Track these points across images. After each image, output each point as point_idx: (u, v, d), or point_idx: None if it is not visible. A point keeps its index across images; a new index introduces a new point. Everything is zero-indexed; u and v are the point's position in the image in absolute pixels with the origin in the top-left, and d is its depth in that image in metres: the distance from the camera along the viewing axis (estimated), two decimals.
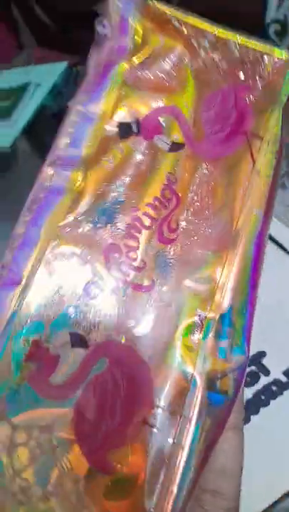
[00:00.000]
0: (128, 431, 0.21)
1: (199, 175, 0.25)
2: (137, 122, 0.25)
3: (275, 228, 0.43)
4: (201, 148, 0.25)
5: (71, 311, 0.22)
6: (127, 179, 0.24)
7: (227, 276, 0.24)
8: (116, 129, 0.25)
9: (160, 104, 0.26)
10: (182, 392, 0.22)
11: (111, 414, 0.21)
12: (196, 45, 0.27)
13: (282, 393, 0.35)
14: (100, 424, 0.21)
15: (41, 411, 0.21)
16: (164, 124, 0.25)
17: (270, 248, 0.44)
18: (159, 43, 0.27)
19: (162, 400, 0.22)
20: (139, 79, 0.26)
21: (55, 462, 0.21)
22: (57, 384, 0.22)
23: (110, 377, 0.22)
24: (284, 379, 0.36)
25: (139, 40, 0.27)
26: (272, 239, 0.44)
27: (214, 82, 0.27)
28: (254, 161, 0.25)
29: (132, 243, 0.24)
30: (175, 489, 0.20)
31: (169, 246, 0.24)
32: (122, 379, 0.22)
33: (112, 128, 0.25)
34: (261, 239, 0.25)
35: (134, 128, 0.25)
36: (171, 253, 0.24)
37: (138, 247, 0.24)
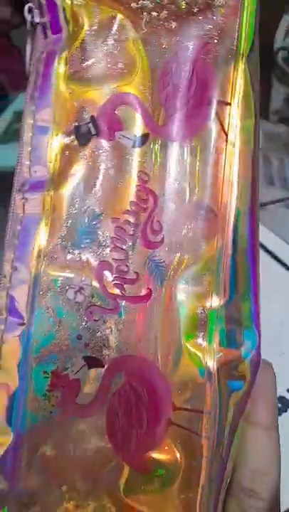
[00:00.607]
0: (157, 432, 0.23)
1: (171, 163, 0.24)
2: (94, 121, 0.24)
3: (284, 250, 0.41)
4: (167, 133, 0.24)
5: (78, 336, 0.23)
6: (98, 190, 0.24)
7: (224, 262, 0.23)
8: (73, 136, 0.24)
9: (113, 93, 0.24)
10: (200, 388, 0.23)
11: (138, 421, 0.23)
12: (136, 6, 0.24)
13: (286, 410, 0.37)
14: (130, 431, 0.23)
15: (76, 428, 0.24)
16: (122, 117, 0.24)
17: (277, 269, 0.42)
18: (93, 17, 0.24)
19: (182, 400, 0.23)
20: (84, 69, 0.24)
21: (101, 469, 0.23)
22: (84, 403, 0.23)
23: (130, 389, 0.23)
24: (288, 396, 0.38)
25: (71, 20, 0.24)
26: (278, 260, 0.42)
27: (165, 49, 0.24)
28: (226, 133, 0.24)
29: (120, 256, 0.24)
30: (206, 482, 0.22)
31: (157, 249, 0.24)
32: (141, 388, 0.23)
33: (69, 136, 0.24)
34: (253, 215, 0.24)
35: (92, 129, 0.24)
36: (161, 256, 0.24)
37: (126, 259, 0.24)
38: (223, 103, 0.24)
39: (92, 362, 0.23)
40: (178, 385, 0.23)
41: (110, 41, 0.24)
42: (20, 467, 0.23)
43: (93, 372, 0.24)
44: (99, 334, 0.23)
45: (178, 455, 0.23)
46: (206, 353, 0.23)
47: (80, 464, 0.23)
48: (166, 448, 0.23)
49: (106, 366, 0.23)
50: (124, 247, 0.24)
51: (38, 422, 0.23)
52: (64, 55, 0.24)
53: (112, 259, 0.24)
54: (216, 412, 0.23)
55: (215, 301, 0.24)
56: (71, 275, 0.23)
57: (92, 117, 0.24)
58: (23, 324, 0.23)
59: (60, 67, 0.24)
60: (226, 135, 0.24)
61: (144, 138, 0.24)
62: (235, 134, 0.24)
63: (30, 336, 0.23)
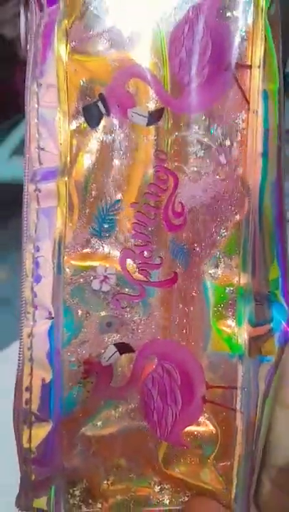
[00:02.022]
0: (192, 410, 0.24)
1: (190, 138, 0.23)
2: (103, 99, 0.22)
3: None
4: (183, 105, 0.23)
5: (108, 324, 0.24)
6: (115, 174, 0.23)
7: (250, 239, 0.23)
8: (82, 118, 0.22)
9: (121, 65, 0.22)
10: (232, 366, 0.24)
11: (173, 400, 0.24)
12: None
13: None
14: (166, 410, 0.24)
15: (114, 410, 0.25)
16: (133, 93, 0.22)
17: None
18: None
19: (214, 378, 0.24)
20: (86, 40, 0.22)
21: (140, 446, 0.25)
22: (119, 386, 0.24)
23: (163, 371, 0.24)
24: None
25: None
26: None
27: (175, 10, 0.22)
28: (247, 101, 0.22)
29: (142, 241, 0.23)
30: (242, 452, 0.24)
31: (180, 231, 0.23)
32: (174, 369, 0.24)
33: (78, 118, 0.23)
34: (278, 187, 0.23)
35: (102, 108, 0.22)
36: (184, 238, 0.23)
37: (149, 244, 0.23)
38: (243, 66, 0.22)
39: (123, 348, 0.24)
40: (210, 365, 0.24)
41: (110, 2, 0.22)
42: (62, 449, 0.24)
43: (125, 357, 0.24)
44: (127, 321, 0.24)
45: (214, 429, 0.24)
46: (236, 332, 0.24)
47: (119, 443, 0.25)
48: (202, 424, 0.24)
49: (137, 351, 0.24)
50: (145, 232, 0.23)
51: (75, 407, 0.24)
52: (63, 26, 0.22)
53: (135, 245, 0.23)
54: (248, 386, 0.24)
55: (243, 280, 0.24)
56: (95, 265, 0.23)
57: (100, 95, 0.22)
58: (51, 318, 0.23)
59: (60, 41, 0.22)
60: (248, 102, 0.22)
61: (159, 113, 0.23)
62: (257, 101, 0.22)
63: (59, 328, 0.24)
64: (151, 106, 0.23)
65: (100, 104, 0.23)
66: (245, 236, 0.23)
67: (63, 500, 0.25)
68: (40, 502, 0.25)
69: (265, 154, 0.23)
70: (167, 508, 0.25)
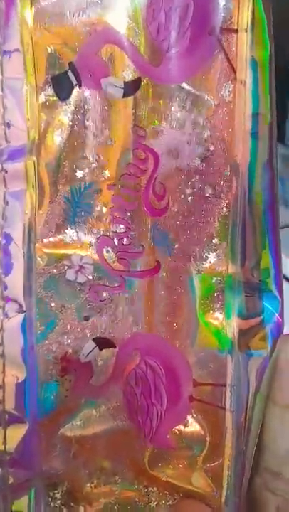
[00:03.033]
0: (178, 409, 0.23)
1: (171, 111, 0.21)
2: (73, 68, 0.20)
3: None
4: (162, 74, 0.21)
5: (86, 318, 0.22)
6: (89, 153, 0.21)
7: (239, 225, 0.21)
8: (51, 90, 0.20)
9: (93, 30, 0.20)
10: (221, 362, 0.22)
11: (158, 399, 0.23)
12: None
13: None
14: (150, 409, 0.23)
15: (95, 409, 0.23)
16: (107, 61, 0.20)
17: None
18: None
19: (204, 374, 0.22)
20: (53, 2, 0.20)
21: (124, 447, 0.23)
22: (99, 384, 0.23)
23: (147, 367, 0.23)
24: None
25: None
26: None
27: None
28: (234, 70, 0.20)
29: (121, 227, 0.21)
30: (232, 453, 0.22)
31: (163, 216, 0.21)
32: (158, 365, 0.22)
33: (46, 89, 0.21)
34: (270, 167, 0.21)
35: (72, 79, 0.20)
36: (168, 223, 0.22)
37: (129, 230, 0.21)
38: (229, 30, 0.20)
39: (103, 343, 0.22)
40: (197, 361, 0.23)
41: None
42: (41, 450, 0.23)
43: (105, 352, 0.23)
44: (107, 314, 0.22)
45: (202, 430, 0.23)
46: (225, 325, 0.22)
47: (102, 444, 0.23)
48: (189, 424, 0.23)
49: (118, 346, 0.22)
50: (124, 217, 0.21)
51: (53, 406, 0.23)
52: None
53: (113, 232, 0.22)
54: (238, 384, 0.22)
55: (231, 269, 0.22)
56: (69, 253, 0.22)
57: (70, 64, 0.20)
58: (23, 311, 0.22)
59: (24, 3, 0.20)
60: (234, 72, 0.20)
61: (136, 83, 0.21)
62: (245, 70, 0.20)
63: (32, 323, 0.22)
64: (128, 75, 0.21)
65: (70, 73, 0.21)
66: (233, 221, 0.22)
67: (43, 503, 0.24)
68: (20, 505, 0.24)
69: (254, 132, 0.21)
70: (156, 511, 0.24)
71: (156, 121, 0.21)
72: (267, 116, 0.21)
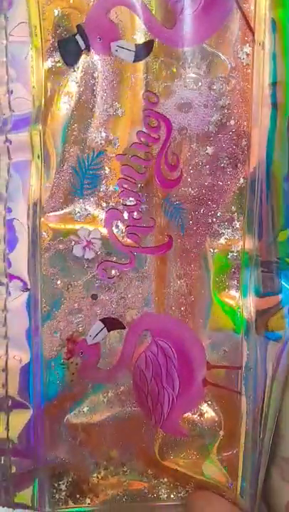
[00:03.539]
0: (192, 394, 0.22)
1: (185, 76, 0.20)
2: (81, 32, 0.19)
3: None
4: (176, 37, 0.20)
5: (93, 297, 0.21)
6: (97, 121, 0.20)
7: (256, 198, 0.20)
8: (58, 55, 0.19)
9: None
10: (236, 343, 0.21)
11: (169, 383, 0.21)
12: None
13: None
14: (162, 394, 0.22)
15: (102, 394, 0.22)
16: (117, 23, 0.19)
17: None
18: None
19: (218, 356, 0.21)
20: None
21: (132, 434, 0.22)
22: (107, 368, 0.22)
23: (158, 349, 0.21)
24: None
25: None
26: None
27: None
28: (252, 31, 0.19)
29: (131, 200, 0.20)
30: (248, 441, 0.21)
31: (176, 188, 0.20)
32: (170, 347, 0.21)
33: (53, 54, 0.20)
34: None
35: (81, 42, 0.19)
36: (180, 196, 0.21)
37: (139, 203, 0.20)
38: None
39: (112, 324, 0.21)
40: (211, 341, 0.21)
41: None
42: (46, 438, 0.22)
43: (114, 334, 0.21)
44: (116, 292, 0.21)
45: (216, 416, 0.22)
46: (241, 304, 0.21)
47: (110, 432, 0.22)
48: (203, 409, 0.22)
49: (128, 327, 0.21)
50: (135, 189, 0.20)
51: (58, 391, 0.22)
52: None
53: (123, 205, 0.20)
54: (255, 367, 0.21)
55: (248, 244, 0.21)
56: (76, 228, 0.20)
57: (78, 27, 0.19)
58: (27, 289, 0.21)
59: None
60: (253, 33, 0.19)
61: (148, 46, 0.20)
62: (264, 31, 0.19)
63: (37, 302, 0.21)
64: (139, 38, 0.20)
65: (78, 37, 0.20)
66: (250, 194, 0.21)
67: (48, 494, 0.23)
68: (23, 497, 0.23)
69: (273, 102, 0.20)
70: (165, 503, 0.23)
71: (169, 87, 0.20)
72: (287, 83, 0.20)
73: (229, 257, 0.21)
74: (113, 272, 0.21)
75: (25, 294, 0.21)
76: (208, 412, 0.22)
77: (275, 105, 0.20)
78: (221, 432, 0.22)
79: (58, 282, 0.21)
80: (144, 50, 0.20)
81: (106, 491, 0.23)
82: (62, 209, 0.21)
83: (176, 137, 0.20)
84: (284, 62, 0.20)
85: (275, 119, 0.20)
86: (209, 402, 0.22)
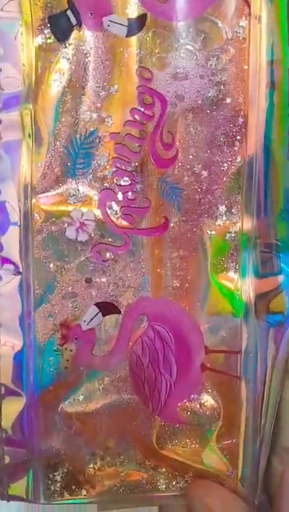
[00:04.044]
0: (190, 379, 0.21)
1: (180, 52, 0.19)
2: (72, 7, 0.19)
3: None
4: (170, 11, 0.19)
5: (87, 280, 0.21)
6: (89, 98, 0.20)
7: (254, 176, 0.20)
8: (49, 31, 0.19)
9: None
10: (235, 327, 0.21)
11: (167, 369, 0.21)
12: None
13: None
14: (159, 380, 0.21)
15: (98, 382, 0.21)
16: None
17: None
18: None
19: (216, 340, 0.21)
20: None
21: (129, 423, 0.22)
22: (103, 354, 0.21)
23: (155, 334, 0.21)
24: None
25: None
26: None
27: None
28: (248, 4, 0.19)
29: (126, 180, 0.20)
30: (249, 428, 0.21)
31: (171, 167, 0.20)
32: (167, 332, 0.21)
33: (43, 31, 0.19)
34: None
35: (72, 18, 0.19)
36: (176, 176, 0.20)
37: (134, 183, 0.20)
38: None
39: (107, 308, 0.21)
40: (209, 325, 0.21)
41: None
42: (40, 427, 0.21)
43: (109, 319, 0.21)
44: (110, 275, 0.21)
45: (215, 402, 0.21)
46: (240, 286, 0.21)
47: (106, 420, 0.22)
48: (202, 396, 0.21)
49: (123, 311, 0.21)
50: (129, 168, 0.20)
51: (52, 379, 0.21)
52: None
53: (117, 185, 0.20)
54: (254, 351, 0.20)
55: (246, 224, 0.20)
56: (69, 210, 0.20)
57: (69, 2, 0.19)
58: (19, 273, 0.20)
59: None
60: (249, 6, 0.19)
61: (141, 20, 0.19)
62: (260, 4, 0.18)
63: (29, 286, 0.20)
64: (132, 12, 0.19)
65: (69, 13, 0.19)
66: (249, 173, 0.20)
67: (43, 486, 0.22)
68: (17, 488, 0.22)
69: (271, 81, 0.20)
70: (163, 494, 0.22)
71: (164, 63, 0.19)
72: (284, 61, 0.20)
73: (227, 238, 0.21)
74: (108, 254, 0.21)
75: (17, 278, 0.21)
76: (207, 399, 0.22)
77: (272, 85, 0.20)
78: (221, 420, 0.22)
79: (51, 265, 0.21)
80: (137, 24, 0.19)
81: (103, 482, 0.22)
82: (54, 190, 0.20)
83: (171, 113, 0.20)
84: (280, 35, 0.20)
85: (273, 97, 0.20)
86: (208, 389, 0.22)
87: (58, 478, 0.22)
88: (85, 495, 0.22)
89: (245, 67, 0.19)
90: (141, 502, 0.23)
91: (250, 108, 0.20)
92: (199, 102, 0.19)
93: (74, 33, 0.19)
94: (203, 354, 0.21)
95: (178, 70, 0.19)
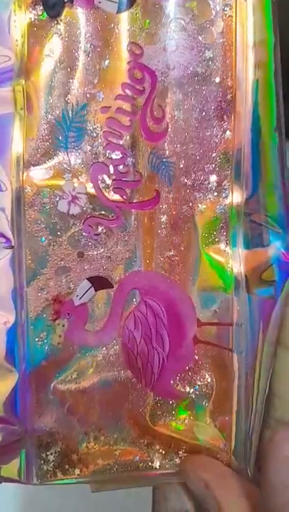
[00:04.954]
0: (182, 352, 0.21)
1: (169, 28, 0.20)
2: None
3: None
4: None
5: (79, 254, 0.21)
6: (80, 73, 0.20)
7: (243, 150, 0.20)
8: (41, 7, 0.19)
9: None
10: (227, 299, 0.21)
11: (159, 342, 0.21)
12: None
13: None
14: (152, 355, 0.21)
15: (90, 358, 0.22)
16: None
17: None
18: None
19: (208, 314, 0.21)
20: None
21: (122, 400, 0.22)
22: (95, 330, 0.21)
23: (147, 308, 0.21)
24: None
25: None
26: None
27: None
28: None
29: (117, 153, 0.20)
30: (241, 401, 0.21)
31: (162, 141, 0.20)
32: (159, 305, 0.21)
33: (35, 7, 0.20)
34: (276, 85, 0.20)
35: None
36: (166, 149, 0.20)
37: (125, 156, 0.20)
38: None
39: (99, 282, 0.21)
40: (201, 298, 0.21)
41: None
42: (32, 406, 0.21)
43: (101, 294, 0.21)
44: (103, 249, 0.21)
45: (208, 375, 0.21)
46: (230, 259, 0.21)
47: (99, 397, 0.22)
48: (195, 370, 0.21)
49: (116, 286, 0.21)
50: (120, 142, 0.20)
51: (45, 355, 0.21)
52: None
53: (108, 158, 0.20)
54: (246, 323, 0.21)
55: (236, 197, 0.21)
56: (60, 183, 0.20)
57: None
58: (11, 247, 0.20)
59: None
60: None
61: None
62: None
63: (21, 259, 0.20)
64: None
65: None
66: (238, 146, 0.21)
67: (35, 466, 0.22)
68: (10, 470, 0.22)
69: (257, 62, 0.20)
70: (159, 472, 0.22)
71: (153, 39, 0.20)
72: (268, 42, 0.20)
73: (217, 211, 0.21)
74: (100, 228, 0.21)
75: (9, 252, 0.21)
76: (201, 373, 0.22)
77: (258, 63, 0.21)
78: (214, 394, 0.22)
79: (43, 239, 0.21)
80: (127, 1, 0.20)
81: (96, 461, 0.22)
82: (46, 163, 0.21)
83: (161, 87, 0.20)
84: (265, 18, 0.20)
85: (259, 75, 0.20)
86: (201, 363, 0.22)
87: (51, 457, 0.22)
88: (78, 474, 0.22)
89: (232, 47, 0.20)
90: (135, 481, 0.23)
91: (238, 86, 0.20)
92: (189, 73, 0.20)
93: (66, 10, 0.20)
94: (196, 327, 0.21)
95: (168, 42, 0.20)
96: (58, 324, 0.21)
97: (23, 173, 0.20)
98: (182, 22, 0.20)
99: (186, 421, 0.22)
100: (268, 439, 0.18)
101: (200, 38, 0.20)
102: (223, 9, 0.20)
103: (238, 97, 0.21)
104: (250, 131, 0.21)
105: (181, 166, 0.21)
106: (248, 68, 0.20)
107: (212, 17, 0.20)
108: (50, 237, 0.21)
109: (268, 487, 0.17)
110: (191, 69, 0.20)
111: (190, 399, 0.22)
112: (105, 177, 0.21)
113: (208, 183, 0.21)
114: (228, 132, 0.21)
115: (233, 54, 0.20)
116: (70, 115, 0.20)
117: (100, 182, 0.21)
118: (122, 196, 0.21)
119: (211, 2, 0.20)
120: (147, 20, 0.20)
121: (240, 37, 0.20)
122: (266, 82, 0.21)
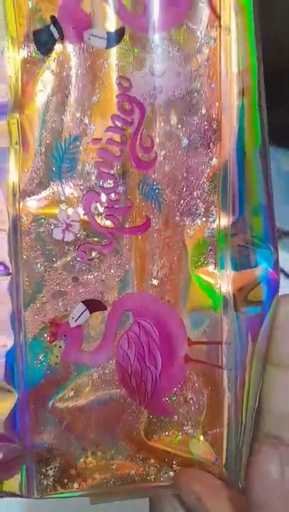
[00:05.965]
0: (174, 371, 0.22)
1: (156, 62, 0.21)
2: (55, 22, 0.21)
3: None
4: (146, 24, 0.21)
5: (74, 279, 0.22)
6: (72, 107, 0.21)
7: (229, 176, 0.21)
8: (33, 45, 0.20)
9: None
10: (216, 319, 0.22)
11: (152, 361, 0.22)
12: None
13: None
14: (145, 374, 0.22)
15: (87, 377, 0.23)
16: (88, 13, 0.20)
17: None
18: None
19: (198, 333, 0.22)
20: None
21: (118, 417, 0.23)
22: (91, 350, 0.22)
23: (140, 329, 0.22)
24: None
25: None
26: None
27: None
28: (218, 16, 0.20)
29: (108, 182, 0.21)
30: (232, 416, 0.22)
31: (151, 169, 0.21)
32: (151, 325, 0.22)
33: (28, 45, 0.21)
34: (260, 112, 0.21)
35: (55, 33, 0.21)
36: (155, 177, 0.22)
37: (116, 185, 0.21)
38: None
39: (94, 305, 0.22)
40: (191, 318, 0.22)
41: None
42: (32, 424, 0.22)
43: (96, 315, 0.22)
44: (96, 273, 0.22)
45: (200, 392, 0.23)
46: (219, 280, 0.22)
47: (95, 414, 0.23)
48: (186, 387, 0.22)
49: (109, 308, 0.22)
50: (112, 171, 0.21)
51: (43, 375, 0.23)
52: None
53: (100, 187, 0.21)
54: (234, 340, 0.22)
55: (223, 221, 0.22)
56: (55, 211, 0.21)
57: (52, 18, 0.20)
58: (8, 274, 0.21)
59: None
60: (219, 18, 0.20)
61: (119, 34, 0.21)
62: (230, 16, 0.20)
63: (19, 285, 0.22)
64: (111, 26, 0.21)
65: (52, 28, 0.21)
66: (224, 172, 0.22)
67: (36, 481, 0.23)
68: (11, 484, 0.23)
69: (240, 89, 0.21)
70: (154, 484, 0.23)
71: (141, 72, 0.21)
72: (253, 69, 0.21)
73: (206, 235, 0.22)
74: (93, 254, 0.22)
75: (7, 278, 0.22)
76: (192, 390, 0.23)
77: (243, 91, 0.22)
78: (206, 409, 0.23)
79: (39, 266, 0.22)
80: (116, 37, 0.21)
81: (94, 476, 0.24)
82: (41, 193, 0.22)
83: (150, 106, 0.21)
84: (249, 47, 0.21)
85: (244, 103, 0.22)
86: (193, 380, 0.23)
87: (51, 472, 0.23)
88: (77, 488, 0.23)
89: (217, 77, 0.21)
90: (131, 493, 0.24)
91: (223, 113, 0.22)
92: (176, 97, 0.21)
93: (57, 47, 0.21)
94: (187, 346, 0.22)
95: (155, 66, 0.21)
96: (55, 345, 0.23)
97: (19, 203, 0.21)
98: (169, 49, 0.21)
99: (179, 436, 0.23)
100: (252, 453, 0.19)
101: (186, 65, 0.21)
102: (207, 42, 0.21)
103: (224, 123, 0.22)
104: (235, 157, 0.22)
105: (170, 192, 0.22)
106: (232, 96, 0.22)
107: (197, 46, 0.21)
108: (46, 264, 0.22)
109: (251, 499, 0.18)
110: (177, 94, 0.21)
111: (183, 415, 0.23)
112: (98, 205, 0.22)
113: (197, 209, 0.22)
114: (214, 159, 0.22)
115: (218, 81, 0.21)
116: (63, 147, 0.21)
117: (92, 210, 0.22)
118: (113, 222, 0.22)
119: (198, 35, 0.21)
120: (135, 50, 0.21)
121: (224, 67, 0.21)
122: (251, 107, 0.22)
